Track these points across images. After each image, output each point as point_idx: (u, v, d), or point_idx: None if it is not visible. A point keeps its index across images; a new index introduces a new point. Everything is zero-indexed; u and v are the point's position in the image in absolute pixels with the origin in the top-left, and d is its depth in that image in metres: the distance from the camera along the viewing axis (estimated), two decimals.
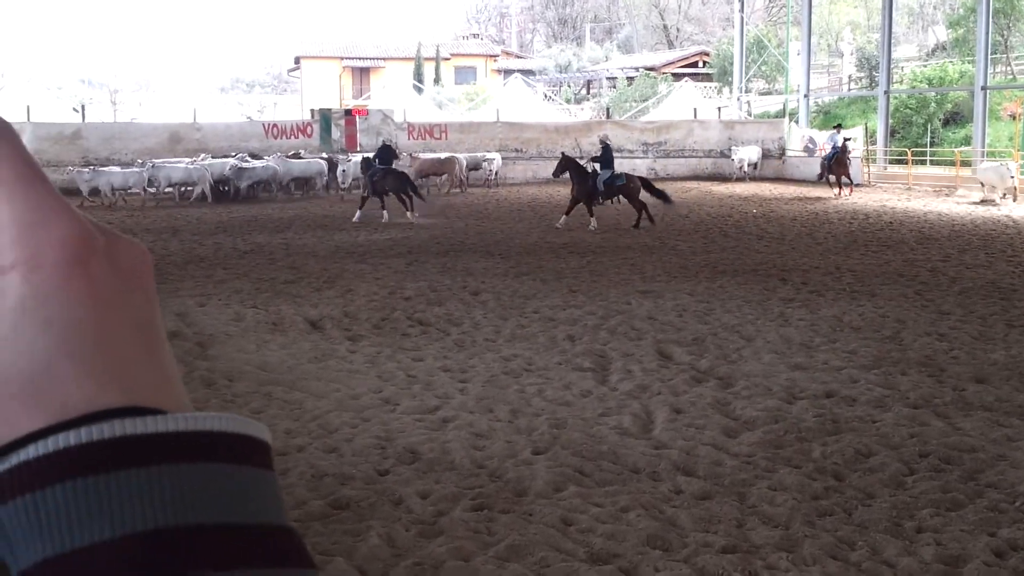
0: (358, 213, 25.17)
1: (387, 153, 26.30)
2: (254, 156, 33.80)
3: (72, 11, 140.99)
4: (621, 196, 24.09)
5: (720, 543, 5.99)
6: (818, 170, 34.83)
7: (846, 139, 32.47)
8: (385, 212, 24.93)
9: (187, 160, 32.85)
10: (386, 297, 14.20)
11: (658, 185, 24.55)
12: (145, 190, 30.41)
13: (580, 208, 23.22)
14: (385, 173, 25.27)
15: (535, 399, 9.12)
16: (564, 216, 23.30)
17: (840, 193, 31.76)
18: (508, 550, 5.87)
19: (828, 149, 32.94)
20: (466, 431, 8.12)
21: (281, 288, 14.99)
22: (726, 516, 6.41)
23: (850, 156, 32.51)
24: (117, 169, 31.03)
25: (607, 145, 24.66)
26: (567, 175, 23.58)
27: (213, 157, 33.71)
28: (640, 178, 24.16)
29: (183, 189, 31.65)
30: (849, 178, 32.26)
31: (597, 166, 23.84)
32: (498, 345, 11.32)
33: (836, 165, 31.80)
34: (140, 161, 31.82)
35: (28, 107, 35.98)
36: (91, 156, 34.58)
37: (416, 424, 8.36)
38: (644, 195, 23.37)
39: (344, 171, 31.53)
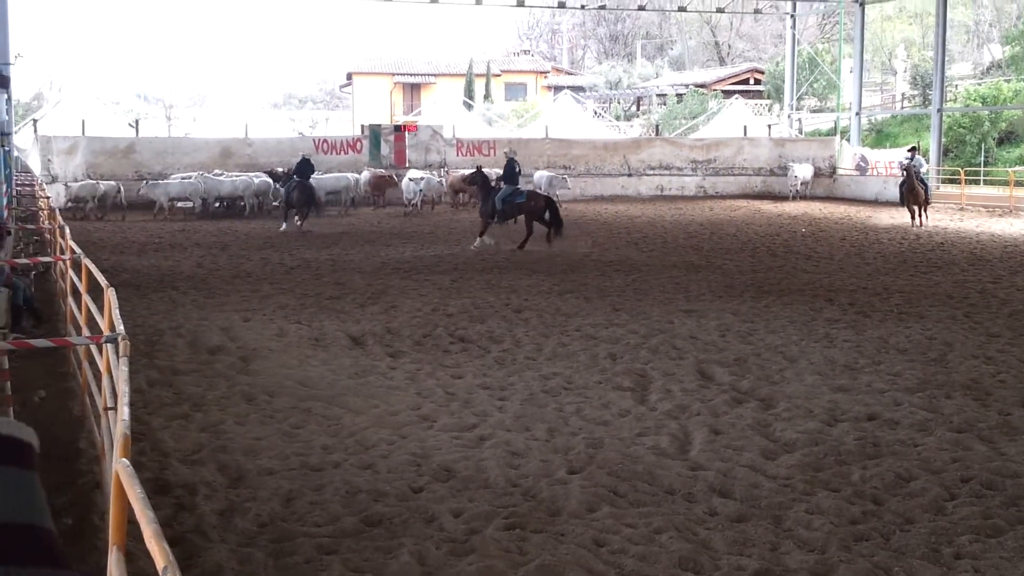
0: (284, 225, 27.13)
1: (305, 167, 27.81)
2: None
3: (129, 27, 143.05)
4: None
5: (753, 566, 5.93)
6: (874, 189, 34.49)
7: (905, 159, 29.43)
8: (285, 224, 27.00)
9: (181, 176, 34.06)
10: (429, 314, 14.24)
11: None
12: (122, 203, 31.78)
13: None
14: (296, 186, 27.14)
15: (573, 418, 9.09)
16: (479, 238, 22.84)
17: (917, 223, 28.54)
18: (538, 570, 5.85)
19: (902, 174, 29.49)
20: (502, 449, 8.11)
21: (325, 304, 15.09)
22: (761, 539, 6.35)
23: (922, 179, 28.96)
24: (89, 182, 32.61)
25: (511, 160, 23.76)
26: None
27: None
28: (546, 199, 23.24)
29: (178, 203, 32.74)
30: (922, 206, 28.72)
31: (501, 183, 23.19)
32: (538, 363, 11.30)
33: (909, 192, 28.58)
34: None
35: (83, 121, 36.50)
36: (144, 170, 35.10)
37: (453, 442, 8.36)
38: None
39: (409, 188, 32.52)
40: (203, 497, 6.99)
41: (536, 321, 13.71)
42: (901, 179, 29.25)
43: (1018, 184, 35.47)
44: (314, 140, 39.83)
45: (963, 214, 33.13)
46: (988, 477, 7.40)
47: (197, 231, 27.02)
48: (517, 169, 23.32)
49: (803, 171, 40.16)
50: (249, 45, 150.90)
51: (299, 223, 27.13)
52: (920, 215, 28.71)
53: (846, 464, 7.77)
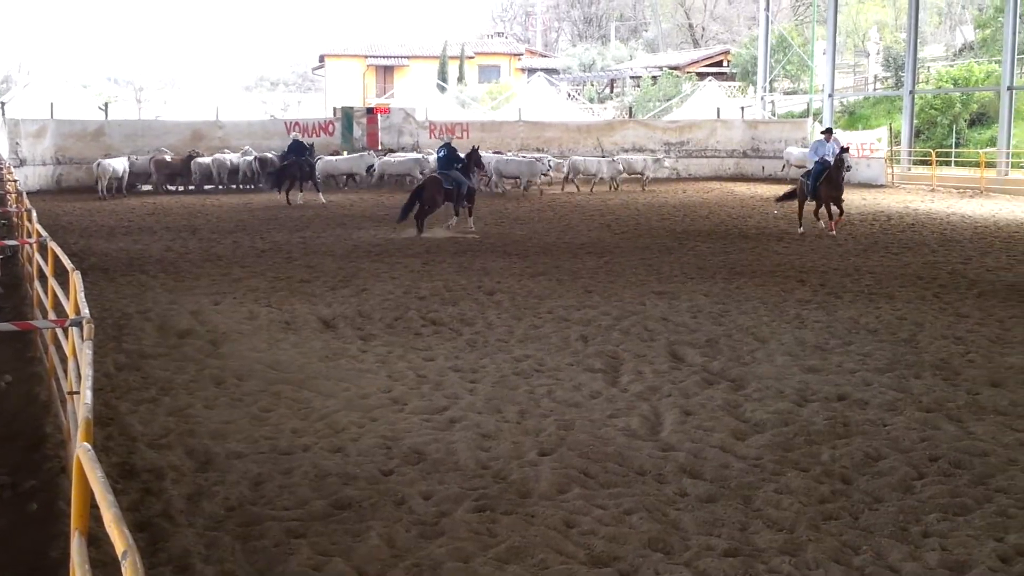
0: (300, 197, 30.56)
1: (299, 147, 31.23)
2: None
3: (99, 9, 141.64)
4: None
5: (723, 546, 5.94)
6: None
7: (843, 149, 22.63)
8: (288, 196, 30.30)
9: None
10: (401, 296, 14.19)
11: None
12: None
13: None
14: (291, 164, 30.59)
15: (544, 400, 9.08)
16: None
17: (827, 224, 22.52)
18: (508, 552, 5.84)
19: (811, 163, 23.36)
20: (473, 432, 8.09)
21: (296, 287, 15.01)
22: (730, 519, 6.36)
23: (845, 173, 22.52)
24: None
25: (444, 144, 23.44)
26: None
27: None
28: (433, 182, 22.42)
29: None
30: (840, 206, 22.50)
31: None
32: (510, 345, 11.28)
33: (826, 186, 22.20)
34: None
35: (52, 104, 36.15)
36: (114, 153, 34.76)
37: (423, 424, 8.33)
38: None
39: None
40: (171, 481, 6.94)
41: (508, 303, 13.69)
42: (816, 168, 22.60)
43: (988, 165, 35.70)
44: (286, 123, 39.61)
45: (934, 195, 33.29)
46: (956, 456, 7.43)
47: (168, 214, 26.84)
48: (441, 154, 23.00)
49: (796, 153, 39.67)
50: (220, 27, 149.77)
51: (287, 198, 30.13)
52: (835, 215, 22.54)
53: (816, 444, 7.80)
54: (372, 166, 35.31)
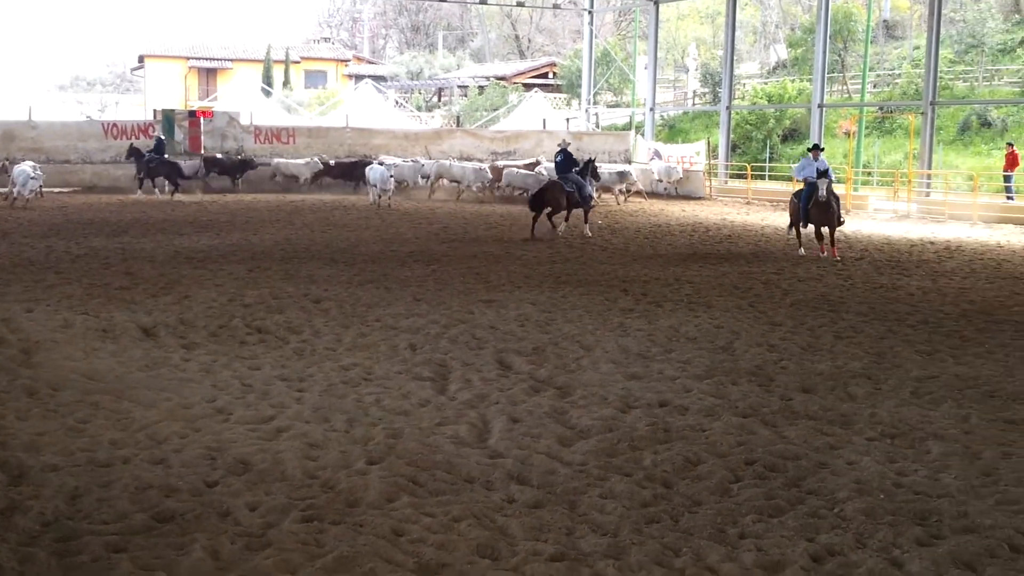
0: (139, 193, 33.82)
1: (160, 145, 34.45)
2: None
3: None
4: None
5: (549, 551, 6.03)
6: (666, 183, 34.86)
7: (821, 173, 20.36)
8: (157, 191, 33.75)
9: None
10: (225, 304, 13.91)
11: None
12: None
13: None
14: (160, 163, 33.65)
15: (373, 408, 9.04)
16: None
17: (821, 247, 20.88)
18: (336, 562, 5.79)
19: (802, 183, 21.23)
20: (300, 441, 8.00)
21: (114, 294, 14.54)
22: (556, 524, 6.46)
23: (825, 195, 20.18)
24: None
25: (561, 150, 24.75)
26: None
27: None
28: (555, 187, 23.85)
29: None
30: (832, 232, 20.76)
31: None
32: (338, 354, 11.19)
33: (816, 209, 20.52)
34: None
35: None
36: None
37: (249, 434, 8.19)
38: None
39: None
40: None
41: (336, 311, 13.59)
42: (805, 189, 21.06)
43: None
44: (103, 124, 38.39)
45: (749, 208, 34.53)
46: (771, 460, 7.72)
47: None
48: (559, 159, 24.24)
49: (658, 167, 40.47)
50: (32, 23, 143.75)
51: (171, 193, 33.29)
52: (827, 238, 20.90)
53: (638, 449, 7.99)
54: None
